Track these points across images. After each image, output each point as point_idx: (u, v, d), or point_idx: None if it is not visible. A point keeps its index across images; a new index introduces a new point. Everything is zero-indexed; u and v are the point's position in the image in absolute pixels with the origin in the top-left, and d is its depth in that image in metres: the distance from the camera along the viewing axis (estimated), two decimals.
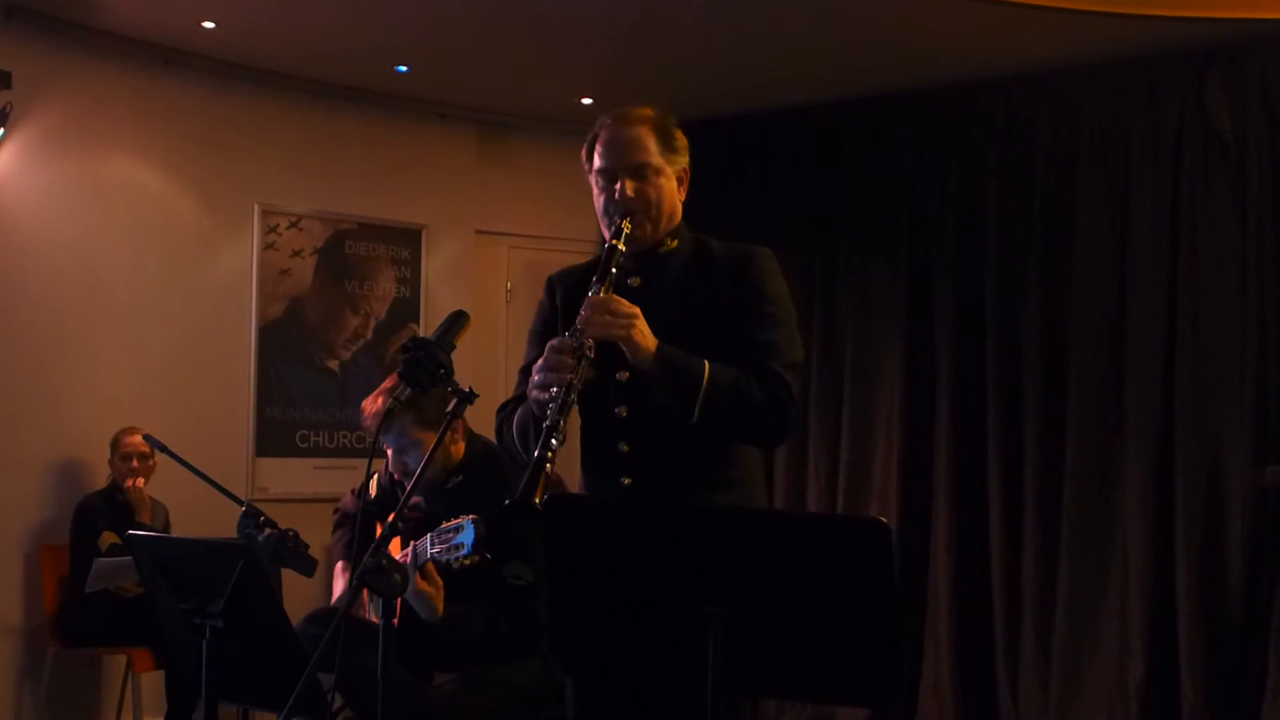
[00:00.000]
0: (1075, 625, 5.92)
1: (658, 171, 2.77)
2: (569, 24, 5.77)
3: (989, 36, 5.74)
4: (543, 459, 2.43)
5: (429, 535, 3.53)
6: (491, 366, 6.86)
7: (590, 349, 2.54)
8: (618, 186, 2.74)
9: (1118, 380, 5.93)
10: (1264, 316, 5.63)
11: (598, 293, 2.61)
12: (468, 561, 3.40)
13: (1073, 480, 5.97)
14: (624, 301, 2.61)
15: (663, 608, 2.21)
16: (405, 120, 6.98)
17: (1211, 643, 5.57)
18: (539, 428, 2.52)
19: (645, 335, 2.59)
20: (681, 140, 2.84)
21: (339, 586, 4.15)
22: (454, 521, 3.44)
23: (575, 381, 2.51)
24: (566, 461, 2.85)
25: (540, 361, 2.58)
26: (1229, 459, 5.63)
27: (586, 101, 6.73)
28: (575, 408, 2.55)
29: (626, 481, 2.71)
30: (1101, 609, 5.87)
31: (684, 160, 2.84)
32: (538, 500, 2.38)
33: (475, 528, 3.39)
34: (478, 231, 7.25)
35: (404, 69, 6.46)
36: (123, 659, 5.67)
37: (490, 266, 7.33)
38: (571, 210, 6.76)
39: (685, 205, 2.86)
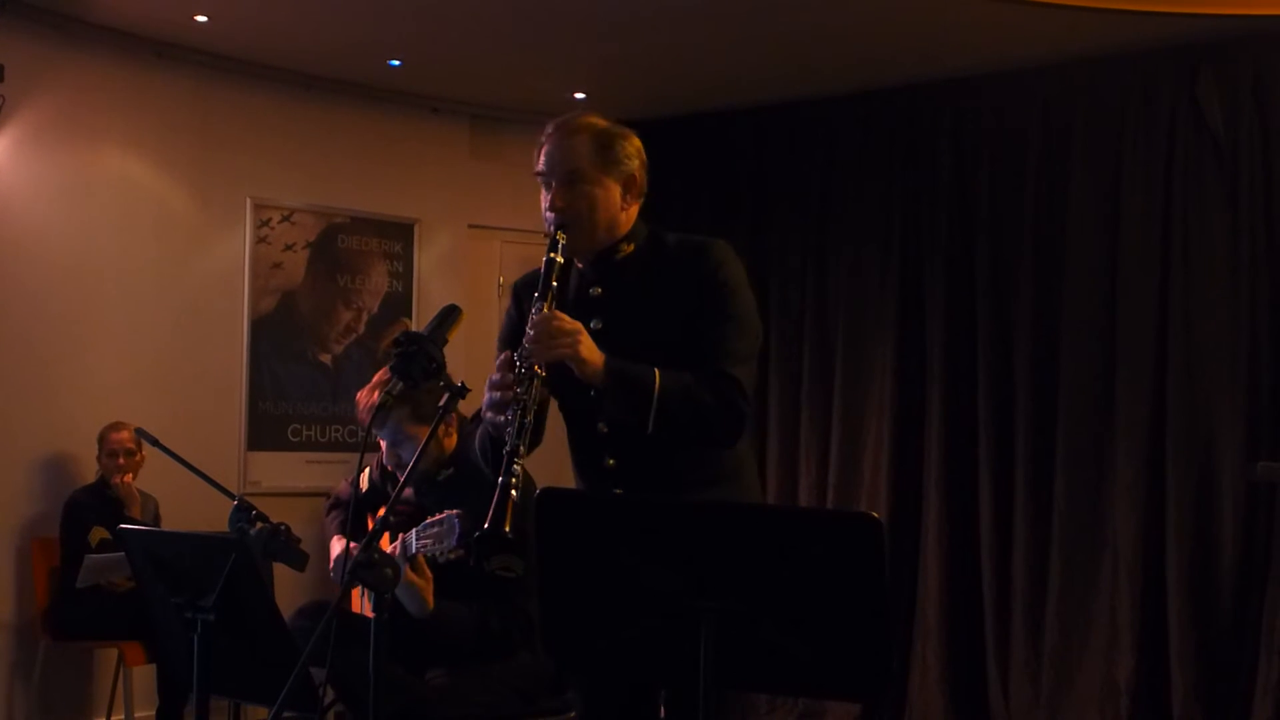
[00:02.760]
0: (1066, 620, 5.92)
1: (591, 181, 2.74)
2: (562, 18, 5.76)
3: (981, 32, 5.74)
4: (507, 486, 2.42)
5: (414, 530, 3.53)
6: (484, 361, 6.77)
7: (540, 368, 2.53)
8: (550, 195, 2.75)
9: (1109, 375, 5.93)
10: (1255, 311, 5.63)
11: (539, 309, 2.58)
12: (453, 555, 3.41)
13: (1064, 475, 5.98)
14: (566, 319, 2.58)
15: (655, 602, 2.21)
16: (398, 114, 6.96)
17: (1203, 638, 5.58)
18: (497, 451, 2.51)
19: (591, 351, 2.57)
20: (627, 148, 2.77)
21: (336, 550, 4.13)
22: (438, 516, 3.46)
23: (530, 403, 2.50)
24: (559, 464, 2.86)
25: (489, 378, 2.57)
26: (1220, 454, 5.63)
27: (580, 96, 6.72)
28: (539, 423, 2.54)
29: (618, 492, 2.73)
30: (1092, 604, 5.88)
31: (629, 167, 2.77)
32: (508, 529, 2.38)
33: (460, 522, 3.40)
34: (470, 225, 7.24)
35: (397, 63, 6.45)
36: (114, 653, 5.67)
37: (483, 261, 7.32)
38: None
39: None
